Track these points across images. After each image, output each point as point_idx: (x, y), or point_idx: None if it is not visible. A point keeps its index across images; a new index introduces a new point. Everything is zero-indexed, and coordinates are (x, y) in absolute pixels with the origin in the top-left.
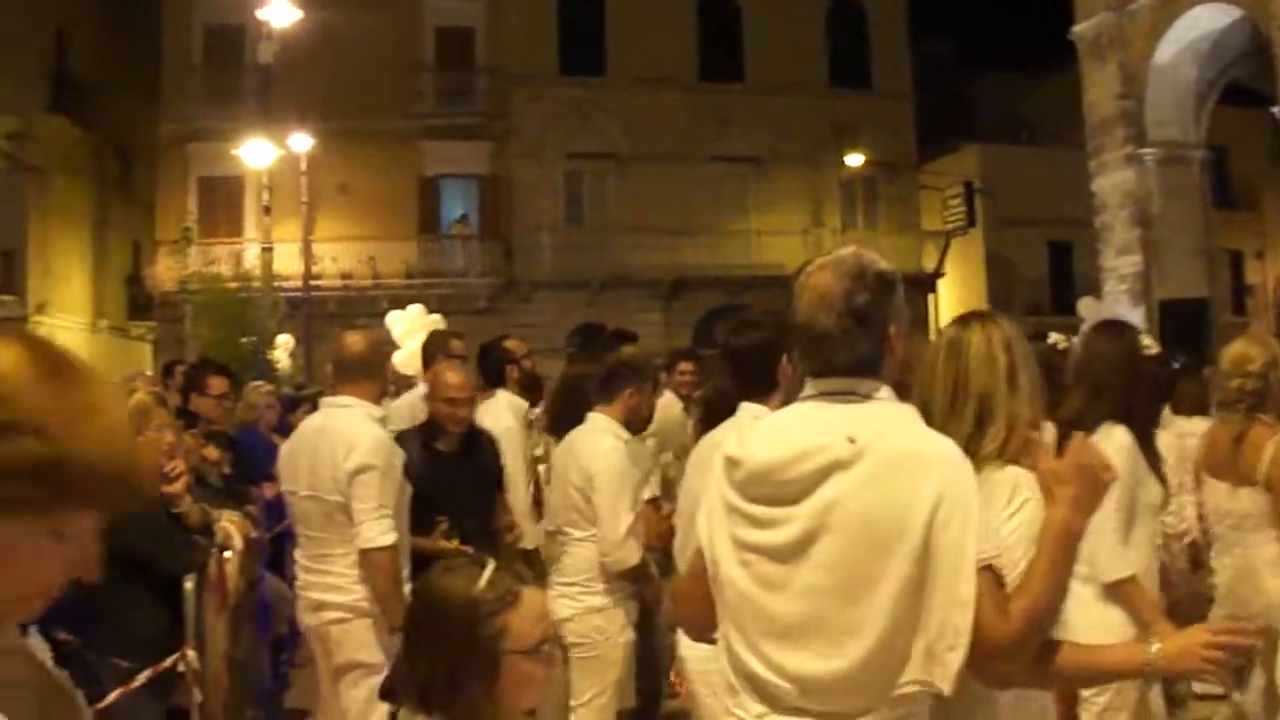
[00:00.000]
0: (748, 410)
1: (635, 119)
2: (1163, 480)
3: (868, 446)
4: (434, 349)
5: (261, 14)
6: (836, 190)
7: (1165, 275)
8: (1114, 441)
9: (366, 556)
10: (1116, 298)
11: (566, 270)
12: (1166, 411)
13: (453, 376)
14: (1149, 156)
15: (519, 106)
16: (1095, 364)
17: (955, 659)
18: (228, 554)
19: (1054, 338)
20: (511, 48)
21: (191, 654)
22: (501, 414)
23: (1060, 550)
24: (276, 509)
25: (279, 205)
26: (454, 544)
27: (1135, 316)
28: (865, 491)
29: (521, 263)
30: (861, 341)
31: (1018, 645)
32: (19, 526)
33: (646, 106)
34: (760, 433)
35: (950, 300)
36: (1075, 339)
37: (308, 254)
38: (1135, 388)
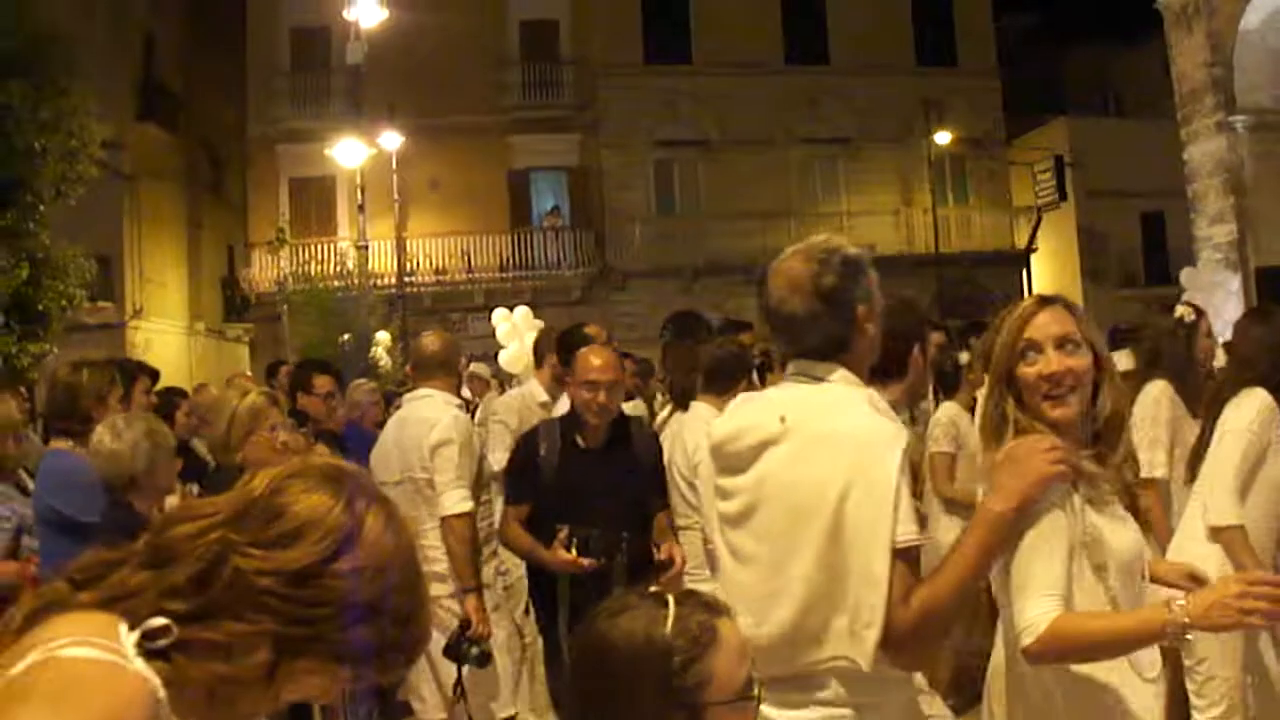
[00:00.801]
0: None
1: (722, 105)
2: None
3: (795, 425)
4: (544, 347)
5: (348, 14)
6: (926, 169)
7: (1260, 242)
8: (1253, 401)
9: (446, 523)
10: (1214, 267)
11: (659, 259)
12: None
13: (595, 358)
14: (1240, 123)
15: (605, 97)
16: (1243, 345)
17: (871, 636)
18: None
19: (1180, 310)
20: (596, 38)
21: None
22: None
23: (982, 541)
24: None
25: (370, 204)
26: (573, 556)
27: (1234, 284)
28: (789, 467)
29: (614, 252)
30: (829, 323)
31: (909, 635)
32: (326, 677)
33: (733, 92)
34: (732, 410)
35: (1043, 275)
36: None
37: (401, 251)
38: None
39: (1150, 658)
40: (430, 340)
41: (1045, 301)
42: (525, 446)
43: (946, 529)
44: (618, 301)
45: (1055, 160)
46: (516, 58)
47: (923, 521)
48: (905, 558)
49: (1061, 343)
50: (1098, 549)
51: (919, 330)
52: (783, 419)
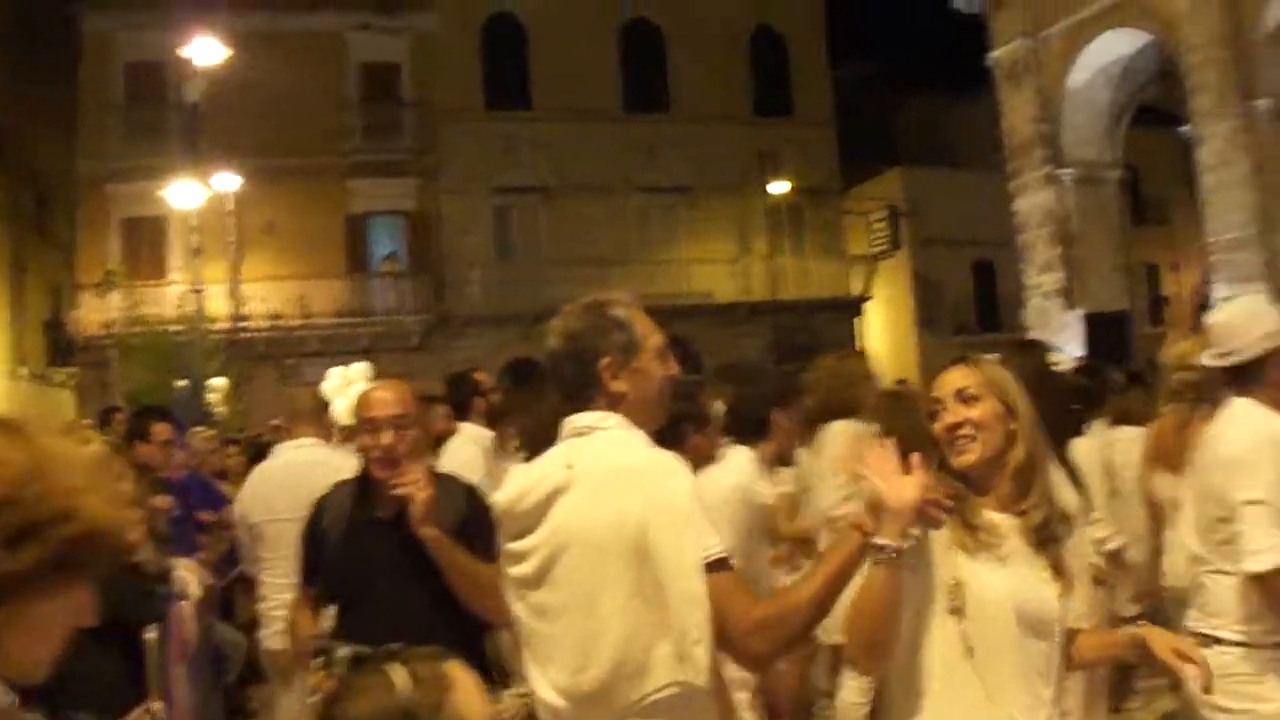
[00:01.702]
0: (741, 452)
1: (562, 152)
2: (1081, 490)
3: (581, 470)
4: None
5: (185, 52)
6: (763, 218)
7: (1087, 290)
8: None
9: None
10: (1047, 312)
11: (498, 305)
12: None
13: (376, 392)
14: (1067, 176)
15: (445, 142)
16: None
17: (701, 652)
18: (184, 602)
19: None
20: (437, 83)
21: (157, 705)
22: (463, 445)
23: (843, 559)
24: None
25: (205, 246)
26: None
27: (1072, 326)
28: (582, 510)
29: (452, 299)
30: (582, 375)
31: (754, 637)
32: (55, 604)
33: (573, 139)
34: (513, 475)
35: (878, 323)
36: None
37: (236, 295)
38: (1040, 402)
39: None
40: (305, 394)
41: (956, 361)
42: (314, 514)
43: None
44: (456, 348)
45: (889, 210)
46: (356, 100)
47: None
48: (720, 568)
49: (960, 395)
50: (957, 592)
51: (780, 394)
52: (569, 466)
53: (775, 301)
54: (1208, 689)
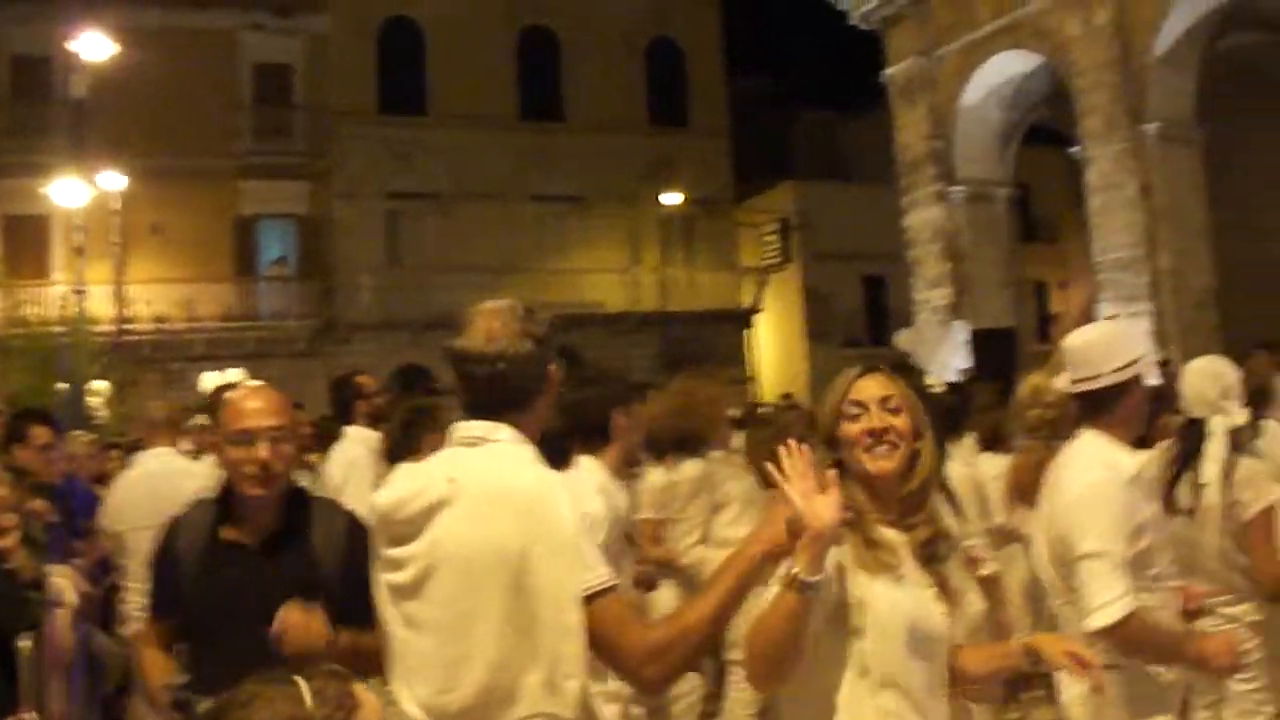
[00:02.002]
0: (584, 463)
1: (456, 158)
2: (956, 510)
3: (464, 485)
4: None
5: (72, 46)
6: (655, 228)
7: (975, 307)
8: None
9: None
10: (934, 328)
11: (387, 311)
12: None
13: (249, 399)
14: (957, 194)
15: (338, 145)
16: None
17: (574, 686)
18: (60, 610)
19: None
20: (331, 86)
21: (30, 717)
22: (350, 447)
23: (737, 577)
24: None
25: (89, 246)
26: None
27: (956, 340)
28: (462, 528)
29: (341, 304)
30: (515, 383)
31: (650, 661)
32: None
33: (467, 146)
34: (394, 479)
35: (768, 335)
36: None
37: (121, 297)
38: None
39: None
40: (158, 405)
41: (869, 369)
42: (166, 535)
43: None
44: (344, 354)
45: (781, 223)
46: (248, 101)
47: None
48: (606, 596)
49: (885, 402)
50: (857, 611)
51: (621, 396)
52: (451, 480)
53: (665, 312)
54: (1098, 688)
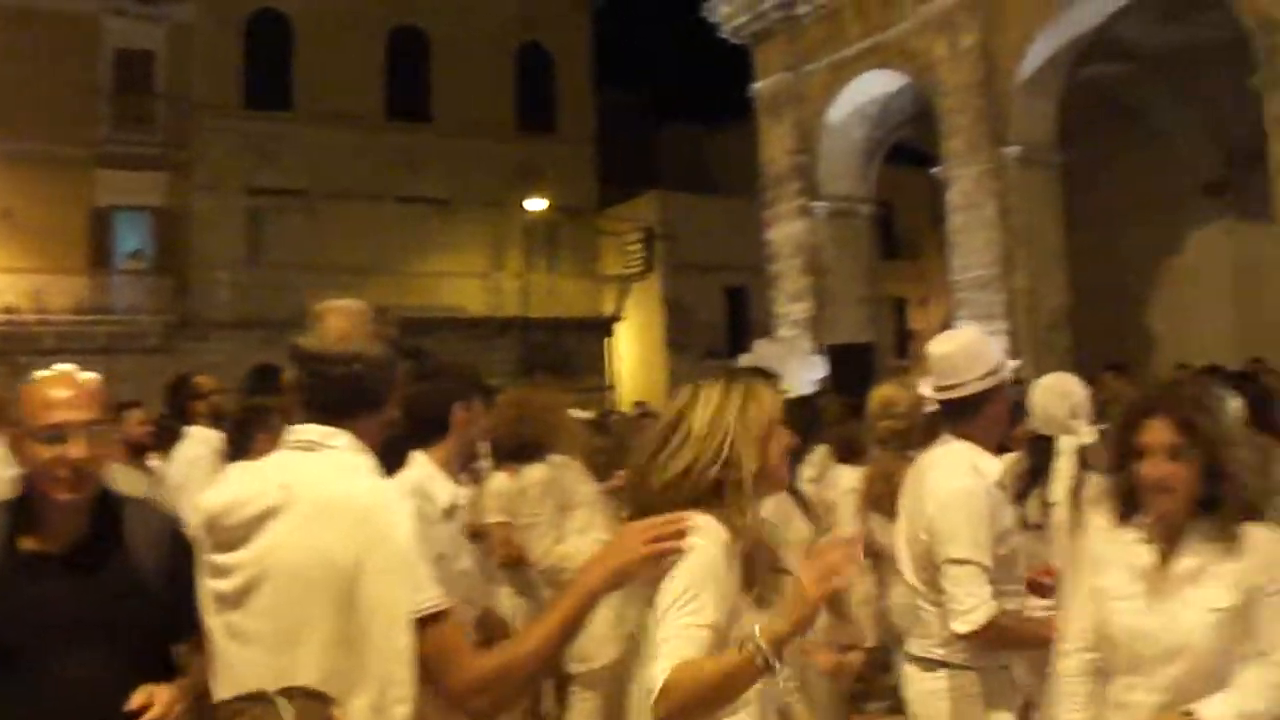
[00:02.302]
0: (417, 459)
1: (321, 156)
2: (813, 519)
3: (298, 494)
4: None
5: None
6: (519, 234)
7: (834, 321)
8: None
9: None
10: (787, 343)
11: (245, 310)
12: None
13: (55, 388)
14: (820, 209)
15: (200, 137)
16: None
17: (403, 712)
18: None
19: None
20: (195, 76)
21: None
22: (193, 446)
23: (570, 609)
24: None
25: None
26: None
27: (812, 357)
28: (294, 538)
29: (198, 301)
30: (360, 386)
31: (475, 692)
32: None
33: (333, 143)
34: (221, 482)
35: (628, 343)
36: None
37: None
38: None
39: None
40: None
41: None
42: None
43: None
44: (198, 352)
45: (645, 232)
46: (108, 88)
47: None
48: (439, 621)
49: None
50: (748, 644)
51: (462, 391)
52: (284, 486)
53: (527, 318)
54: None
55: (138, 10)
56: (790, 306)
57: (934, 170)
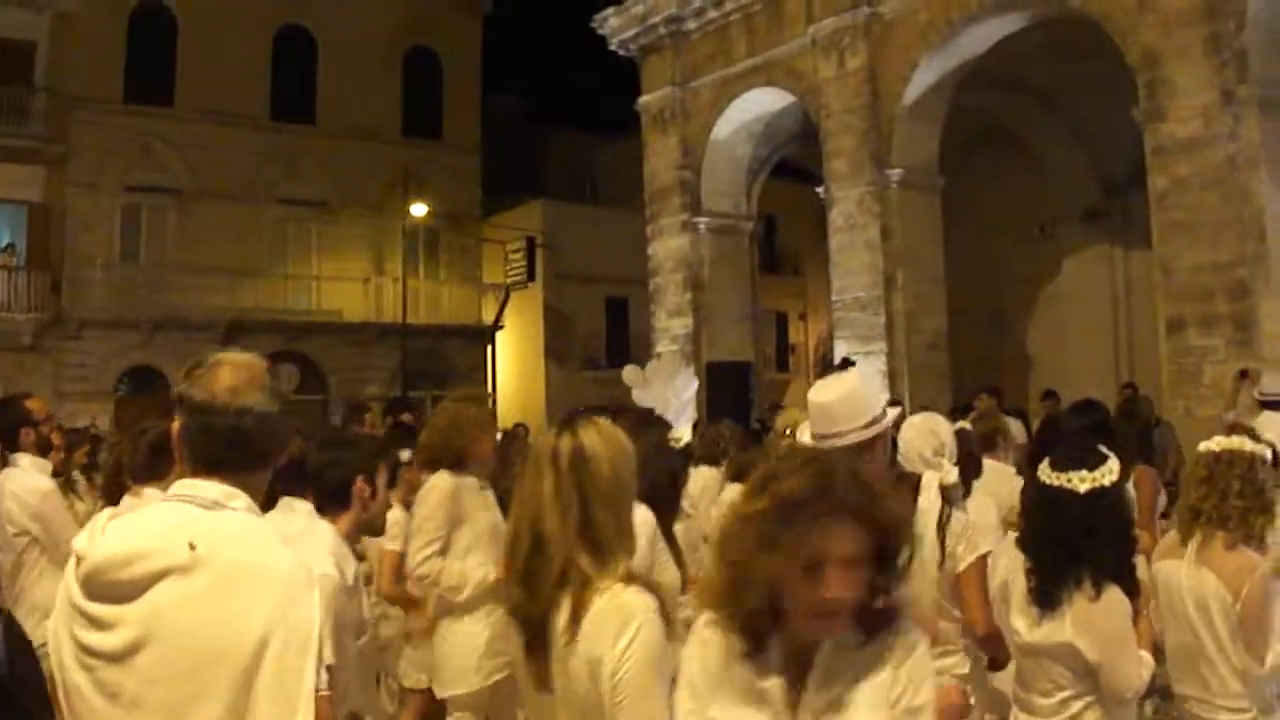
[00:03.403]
0: (321, 528)
1: (201, 154)
2: (681, 565)
3: (207, 556)
4: None
5: None
6: (400, 239)
7: (714, 337)
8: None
9: None
10: (671, 358)
11: (119, 308)
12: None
13: None
14: (703, 224)
15: (78, 132)
16: None
17: None
18: None
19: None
20: (75, 68)
21: None
22: (32, 476)
23: None
24: None
25: None
26: None
27: (687, 376)
28: (196, 604)
29: (71, 298)
30: (256, 442)
31: None
32: None
33: (213, 142)
34: (113, 528)
35: (508, 352)
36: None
37: None
38: (654, 478)
39: None
40: None
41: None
42: None
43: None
44: (71, 351)
45: (527, 240)
46: None
47: None
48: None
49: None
50: None
51: (366, 463)
52: (192, 546)
53: (406, 325)
54: None
55: None
56: (670, 322)
57: (819, 190)
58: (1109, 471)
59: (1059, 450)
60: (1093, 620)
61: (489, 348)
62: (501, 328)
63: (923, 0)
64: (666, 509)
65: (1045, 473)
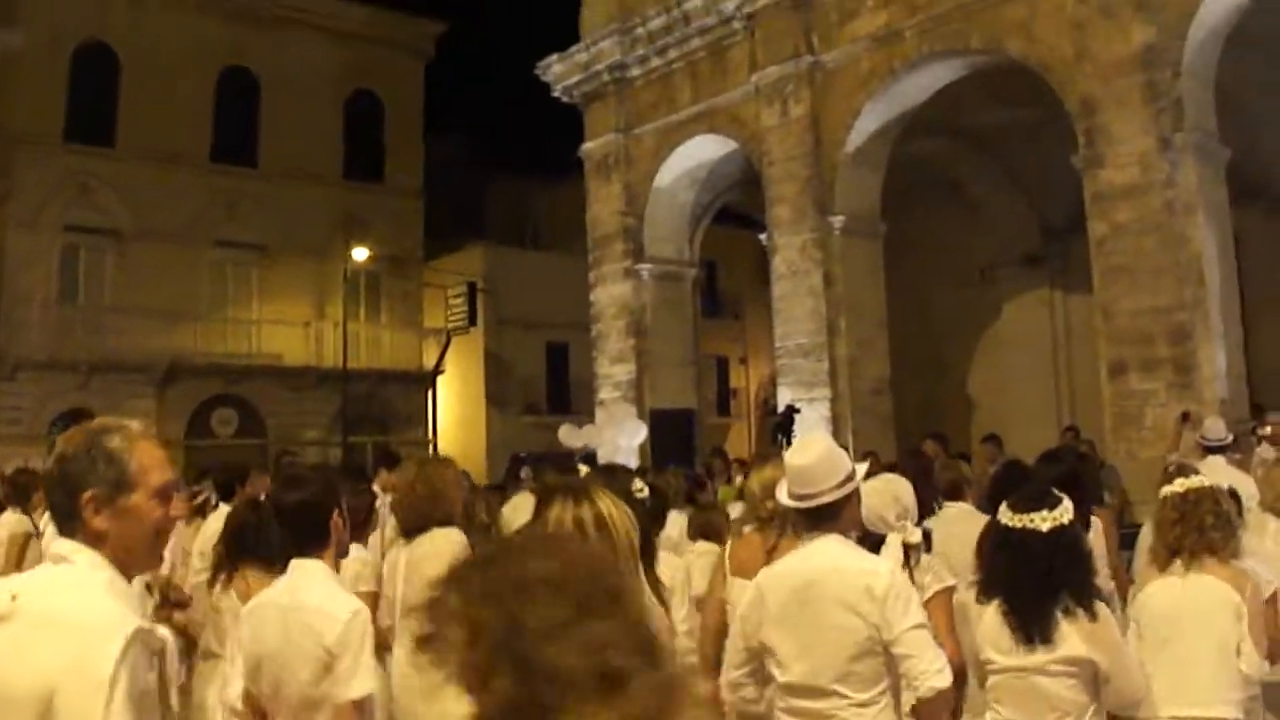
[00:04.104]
0: (300, 566)
1: (141, 195)
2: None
3: (23, 605)
4: None
5: None
6: (341, 283)
7: (657, 383)
8: (668, 565)
9: None
10: (616, 404)
11: (55, 350)
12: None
13: None
14: (646, 271)
15: (18, 169)
16: None
17: None
18: None
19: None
20: (16, 106)
21: None
22: None
23: None
24: None
25: None
26: None
27: (635, 423)
28: (5, 651)
29: (6, 339)
30: (56, 500)
31: None
32: None
33: (154, 183)
34: None
35: (449, 397)
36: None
37: None
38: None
39: None
40: None
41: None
42: None
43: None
44: (5, 392)
45: (469, 286)
46: None
47: None
48: None
49: None
50: None
51: (337, 497)
52: (14, 597)
53: (347, 369)
54: None
55: None
56: (613, 368)
57: (762, 237)
58: (1066, 510)
59: (1016, 494)
60: (1098, 635)
61: (430, 393)
62: (442, 373)
63: (864, 49)
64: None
65: (1007, 516)
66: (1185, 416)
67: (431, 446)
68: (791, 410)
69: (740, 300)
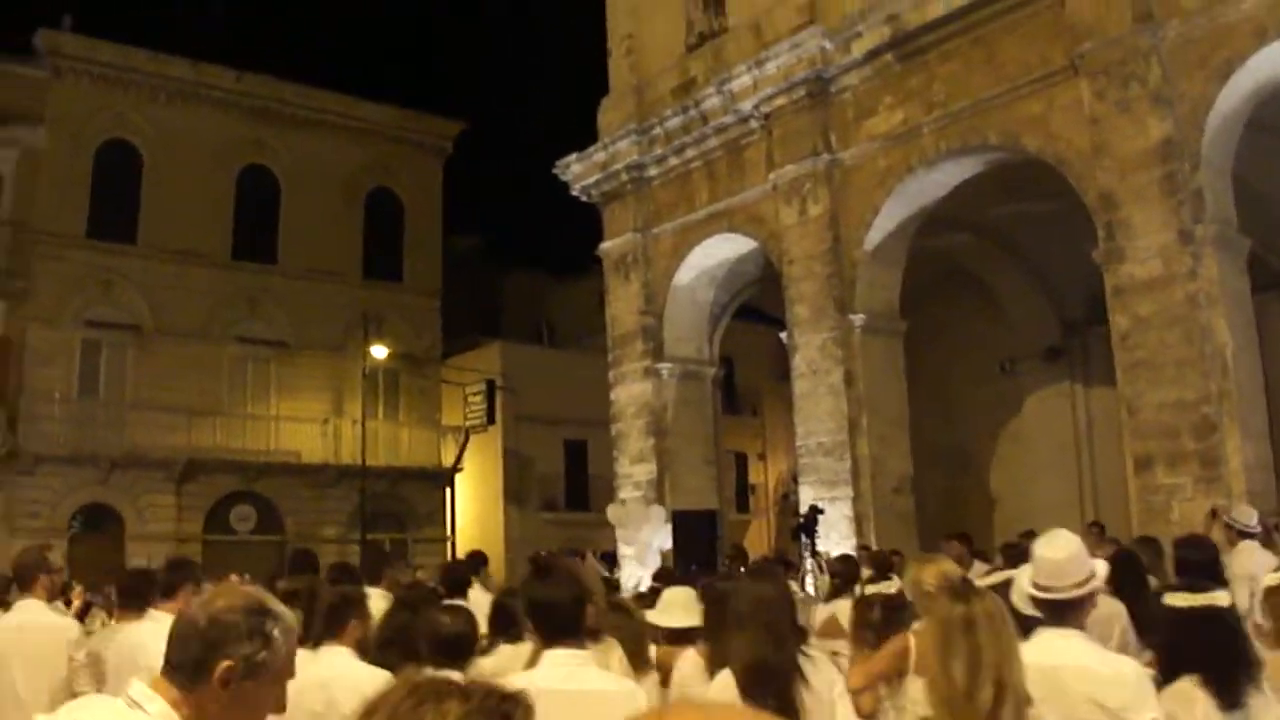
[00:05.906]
0: (552, 658)
1: (161, 292)
2: None
3: None
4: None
5: None
6: (360, 380)
7: (677, 483)
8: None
9: None
10: (636, 504)
11: (76, 444)
12: None
13: None
14: (665, 370)
15: (41, 266)
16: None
17: None
18: None
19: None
20: (40, 202)
21: None
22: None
23: None
24: None
25: None
26: None
27: (658, 521)
28: None
29: (27, 433)
30: (193, 649)
31: None
32: None
33: (175, 280)
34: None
35: (467, 495)
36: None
37: None
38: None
39: None
40: None
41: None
42: None
43: None
44: (25, 486)
45: (487, 383)
46: None
47: None
48: None
49: None
50: None
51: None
52: None
53: (365, 467)
54: None
55: None
56: (633, 468)
57: (782, 335)
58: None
59: (1180, 582)
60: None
61: (448, 490)
62: (461, 470)
63: (882, 147)
64: None
65: (1185, 599)
66: (1214, 512)
67: (450, 544)
68: (815, 511)
69: (758, 395)
